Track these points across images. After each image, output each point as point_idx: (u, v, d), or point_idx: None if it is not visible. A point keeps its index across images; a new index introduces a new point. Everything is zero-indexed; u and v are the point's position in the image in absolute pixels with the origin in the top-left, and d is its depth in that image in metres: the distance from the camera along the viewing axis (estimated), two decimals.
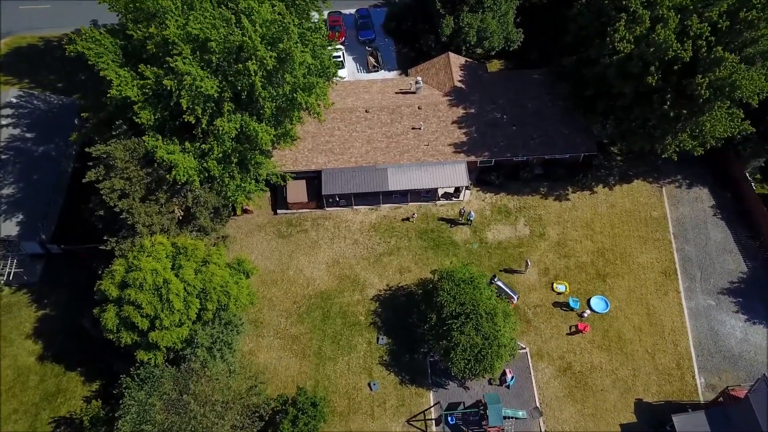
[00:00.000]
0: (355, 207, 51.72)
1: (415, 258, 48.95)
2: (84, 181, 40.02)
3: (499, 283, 45.36)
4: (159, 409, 35.53)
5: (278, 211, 51.69)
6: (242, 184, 44.17)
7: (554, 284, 47.41)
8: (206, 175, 41.74)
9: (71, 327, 45.25)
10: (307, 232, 50.40)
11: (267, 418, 38.03)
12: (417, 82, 52.91)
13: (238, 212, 46.57)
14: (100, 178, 39.47)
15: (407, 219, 50.74)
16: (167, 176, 39.28)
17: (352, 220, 51.09)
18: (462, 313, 40.96)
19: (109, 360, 42.62)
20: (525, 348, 44.76)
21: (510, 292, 45.21)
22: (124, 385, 39.22)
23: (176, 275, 39.07)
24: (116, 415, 36.47)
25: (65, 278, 48.18)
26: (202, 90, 36.99)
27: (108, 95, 38.37)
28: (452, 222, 50.87)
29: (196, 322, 40.64)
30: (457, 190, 51.86)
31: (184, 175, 39.45)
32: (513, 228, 50.58)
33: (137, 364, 39.54)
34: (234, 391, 37.18)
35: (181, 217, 43.91)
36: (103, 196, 39.05)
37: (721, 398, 40.44)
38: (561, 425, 41.70)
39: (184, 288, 38.94)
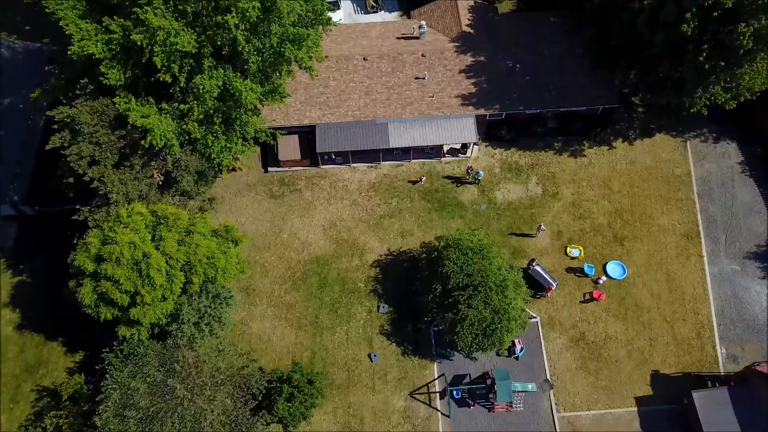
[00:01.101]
0: (352, 165, 47.89)
1: (418, 220, 45.54)
2: (48, 147, 36.11)
3: (539, 269, 42.01)
4: (143, 394, 32.94)
5: (269, 168, 47.91)
6: (228, 145, 40.18)
7: (568, 248, 44.19)
8: (186, 137, 37.71)
9: (50, 295, 42.42)
10: (301, 192, 46.80)
11: (260, 397, 35.57)
12: (420, 27, 47.99)
13: (224, 176, 42.79)
14: (66, 144, 35.56)
15: (415, 182, 46.91)
16: (142, 142, 35.28)
17: (349, 179, 47.39)
18: (470, 285, 37.88)
19: (91, 331, 39.96)
20: (536, 317, 41.98)
21: (549, 280, 41.89)
22: (106, 362, 36.69)
23: (157, 248, 35.75)
24: (97, 399, 33.93)
25: (41, 242, 44.94)
26: (177, 47, 32.51)
27: (68, 52, 33.93)
28: (459, 181, 47.16)
29: (182, 294, 37.72)
30: (465, 146, 47.88)
31: (161, 140, 35.43)
32: (524, 187, 46.90)
33: (120, 339, 36.92)
34: (224, 372, 34.50)
35: (161, 182, 40.20)
36: (71, 164, 35.27)
37: (745, 373, 37.88)
38: (572, 398, 39.39)
39: (166, 261, 35.73)
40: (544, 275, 41.78)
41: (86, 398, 36.95)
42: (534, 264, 42.04)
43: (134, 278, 34.90)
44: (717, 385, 38.36)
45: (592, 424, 38.56)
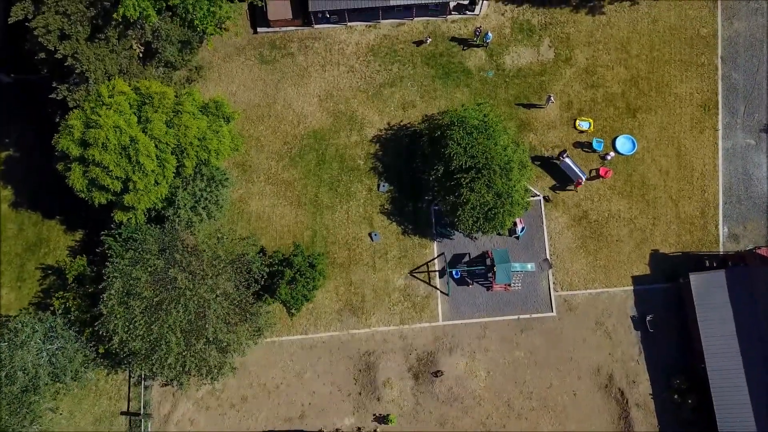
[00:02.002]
0: (349, 24, 43.61)
1: (420, 90, 42.60)
2: (10, 21, 32.16)
3: (569, 161, 39.86)
4: (145, 283, 33.04)
5: (258, 29, 43.69)
6: (211, 9, 36.00)
7: (577, 121, 41.92)
8: (165, 4, 33.53)
9: (41, 170, 40.91)
10: (294, 57, 43.18)
11: (263, 282, 35.87)
12: None
13: (209, 45, 38.90)
14: (30, 16, 31.65)
15: (420, 43, 43.01)
16: (114, 15, 31.36)
17: (345, 40, 43.45)
18: (473, 167, 36.39)
19: (89, 210, 39.12)
20: (538, 195, 41.08)
21: (579, 173, 39.89)
22: (106, 246, 36.51)
23: (144, 131, 33.66)
24: (100, 287, 34.13)
25: (24, 112, 42.38)
26: None
27: None
28: (465, 43, 43.32)
29: (176, 177, 36.32)
30: (473, 2, 43.22)
31: (135, 10, 31.47)
32: (535, 51, 43.23)
33: (118, 223, 36.32)
34: (224, 260, 34.31)
35: (141, 54, 36.67)
36: (39, 38, 31.71)
37: (745, 255, 37.99)
38: (570, 277, 39.98)
39: (156, 145, 33.85)
40: (574, 168, 39.92)
41: (90, 280, 37.30)
42: (564, 156, 39.97)
43: (124, 164, 33.40)
44: (715, 265, 38.67)
45: (587, 303, 39.55)
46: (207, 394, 38.41)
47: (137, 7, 31.53)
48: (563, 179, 40.85)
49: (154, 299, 32.64)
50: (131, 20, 33.28)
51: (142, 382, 38.22)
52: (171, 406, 38.51)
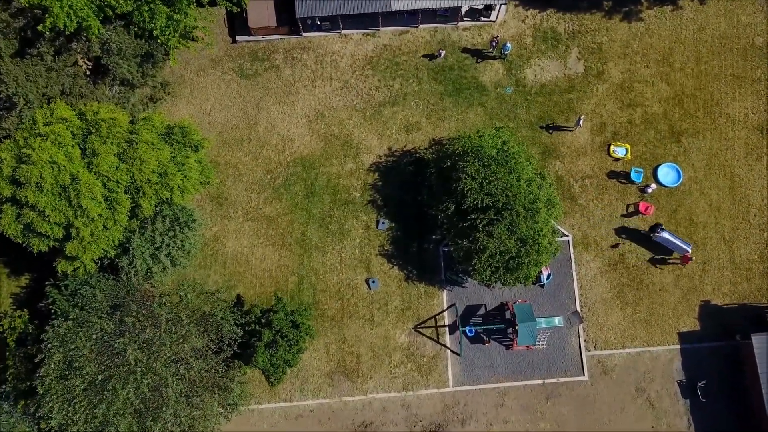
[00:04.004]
0: (343, 32, 37.37)
1: (427, 109, 36.32)
2: None
3: (666, 235, 33.33)
4: (89, 355, 26.83)
5: (237, 38, 37.45)
6: (175, 16, 29.74)
7: (611, 146, 35.62)
8: (111, 12, 27.30)
9: None
10: (279, 70, 36.93)
11: (236, 346, 29.64)
12: None
13: (172, 63, 32.58)
14: None
15: (433, 57, 36.73)
16: (39, 27, 25.12)
17: (340, 51, 37.19)
18: (491, 207, 30.13)
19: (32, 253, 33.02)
20: (567, 235, 34.79)
21: (683, 246, 33.37)
22: (50, 298, 30.37)
23: (89, 167, 27.53)
24: (36, 360, 27.96)
25: None
26: None
27: None
28: (479, 55, 37.04)
29: (132, 219, 30.23)
30: (489, 7, 36.92)
31: (70, 21, 25.21)
32: (562, 63, 36.92)
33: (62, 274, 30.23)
34: (186, 325, 28.07)
35: (89, 70, 30.44)
36: None
37: None
38: (604, 333, 33.67)
39: (104, 184, 27.73)
40: (675, 241, 33.40)
41: (33, 339, 31.17)
42: (660, 231, 33.42)
43: (63, 208, 27.34)
44: None
45: (625, 364, 33.26)
46: None
47: (72, 17, 25.24)
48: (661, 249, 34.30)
49: (98, 376, 26.42)
50: (68, 32, 27.04)
51: None
52: None
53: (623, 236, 34.64)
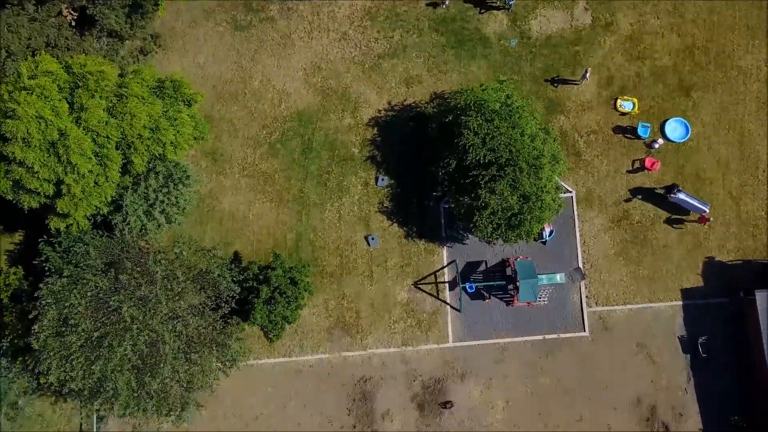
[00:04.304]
0: None
1: (428, 62, 35.11)
2: None
3: (683, 196, 32.47)
4: (84, 312, 26.56)
5: None
6: None
7: (618, 101, 34.56)
8: None
9: None
10: (274, 22, 35.57)
11: (233, 303, 29.36)
12: None
13: (161, 14, 31.19)
14: None
15: (434, 5, 35.28)
16: None
17: (337, 2, 35.72)
18: (493, 163, 29.37)
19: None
20: (571, 192, 34.09)
21: (700, 206, 32.57)
22: (43, 255, 29.98)
23: (78, 122, 26.67)
24: (30, 317, 27.72)
25: None
26: None
27: None
28: (483, 5, 35.56)
29: (125, 175, 29.55)
30: None
31: None
32: (568, 14, 35.50)
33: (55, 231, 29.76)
34: (182, 281, 27.70)
35: (74, 21, 29.20)
36: None
37: None
38: (606, 289, 33.35)
39: (93, 140, 26.94)
40: (693, 202, 32.62)
41: (28, 296, 30.91)
42: (677, 191, 32.55)
43: (52, 164, 26.63)
44: None
45: (626, 321, 33.05)
46: (174, 426, 32.42)
47: None
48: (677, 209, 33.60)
49: (94, 333, 26.20)
50: None
51: (94, 414, 32.26)
52: None
53: (629, 192, 33.94)
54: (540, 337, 33.06)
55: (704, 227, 33.28)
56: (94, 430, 32.08)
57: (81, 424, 32.74)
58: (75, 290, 26.99)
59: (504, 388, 32.77)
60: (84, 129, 26.61)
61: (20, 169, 26.59)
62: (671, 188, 32.87)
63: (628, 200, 33.70)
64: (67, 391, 27.84)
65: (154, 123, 27.94)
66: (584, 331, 33.11)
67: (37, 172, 26.40)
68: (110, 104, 27.29)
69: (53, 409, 32.83)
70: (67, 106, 26.57)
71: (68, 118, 26.37)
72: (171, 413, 28.67)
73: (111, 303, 26.43)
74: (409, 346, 33.08)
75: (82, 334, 26.28)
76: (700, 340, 32.27)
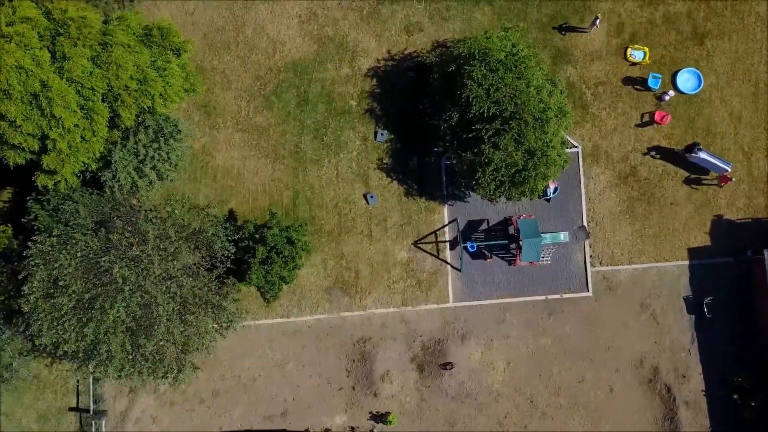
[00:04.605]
0: None
1: (429, 8, 33.30)
2: None
3: (704, 155, 30.99)
4: (74, 273, 25.69)
5: None
6: None
7: (629, 50, 32.97)
8: None
9: None
10: None
11: (228, 263, 28.50)
12: None
13: None
14: None
15: None
16: None
17: None
18: (498, 116, 28.08)
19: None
20: (577, 147, 32.88)
21: (722, 165, 31.18)
22: (32, 213, 29.00)
23: (60, 73, 25.22)
24: (20, 277, 26.87)
25: None
26: None
27: None
28: None
29: (113, 129, 28.29)
30: None
31: None
32: None
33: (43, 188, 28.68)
34: (176, 241, 26.75)
35: None
36: None
37: None
38: (611, 249, 32.52)
39: (78, 92, 25.57)
40: (714, 161, 31.23)
41: (18, 255, 30.01)
42: (698, 150, 31.06)
43: (35, 117, 25.33)
44: None
45: (631, 280, 32.33)
46: (171, 387, 32.09)
47: None
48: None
49: (85, 295, 25.40)
50: None
51: (90, 376, 31.82)
52: (128, 401, 32.28)
53: (637, 147, 32.76)
54: (542, 298, 32.40)
55: (721, 186, 32.15)
56: (91, 391, 31.68)
57: (78, 386, 32.37)
58: (64, 250, 26.06)
59: (505, 349, 32.28)
60: (67, 80, 25.25)
61: (2, 123, 25.29)
62: (692, 147, 31.47)
63: (644, 154, 32.41)
64: (61, 353, 27.27)
65: (141, 74, 26.61)
66: (587, 291, 32.43)
67: (20, 126, 25.13)
68: (94, 53, 25.90)
69: (49, 371, 32.29)
70: (49, 55, 25.11)
71: (50, 69, 24.91)
72: (167, 375, 28.17)
73: (102, 264, 25.51)
74: (409, 306, 32.44)
75: (73, 295, 25.48)
76: (705, 301, 31.61)
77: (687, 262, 32.28)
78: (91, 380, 31.78)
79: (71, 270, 25.65)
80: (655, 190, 32.68)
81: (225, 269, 28.52)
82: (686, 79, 32.94)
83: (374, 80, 33.11)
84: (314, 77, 33.14)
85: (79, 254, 26.03)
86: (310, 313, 32.42)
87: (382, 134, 32.74)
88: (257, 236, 29.42)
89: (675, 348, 32.08)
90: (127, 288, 25.29)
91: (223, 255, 28.11)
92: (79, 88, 25.50)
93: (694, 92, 32.92)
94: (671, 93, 32.47)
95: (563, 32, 33.18)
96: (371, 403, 32.08)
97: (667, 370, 32.02)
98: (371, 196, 32.56)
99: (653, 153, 32.61)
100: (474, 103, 28.02)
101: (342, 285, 32.52)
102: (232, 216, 32.48)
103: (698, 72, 32.91)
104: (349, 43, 33.27)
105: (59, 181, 28.19)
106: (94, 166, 28.24)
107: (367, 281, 32.50)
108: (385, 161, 32.84)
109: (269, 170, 32.96)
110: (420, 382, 32.16)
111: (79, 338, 25.84)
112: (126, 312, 25.62)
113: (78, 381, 32.20)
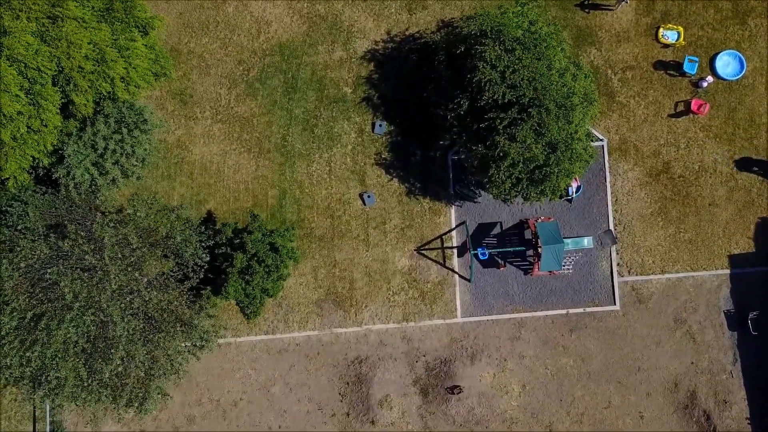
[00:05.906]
0: None
1: None
2: None
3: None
4: (16, 287, 21.86)
5: None
6: None
7: (661, 30, 29.16)
8: None
9: None
10: None
11: (202, 273, 24.70)
12: None
13: None
14: None
15: None
16: None
17: None
18: (514, 104, 24.26)
19: None
20: (602, 139, 29.08)
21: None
22: None
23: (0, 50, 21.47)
24: None
25: None
26: None
27: None
28: None
29: (69, 119, 24.52)
30: None
31: None
32: None
33: None
34: (139, 248, 22.90)
35: None
36: None
37: None
38: (641, 256, 28.71)
39: (21, 73, 21.78)
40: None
41: None
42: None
43: None
44: None
45: (664, 292, 28.55)
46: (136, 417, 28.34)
47: None
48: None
49: (28, 313, 21.56)
50: None
51: (47, 403, 28.03)
52: (91, 428, 28.56)
53: (671, 140, 28.99)
54: (563, 312, 28.66)
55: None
56: (47, 419, 27.88)
57: (34, 412, 28.61)
58: (5, 259, 22.24)
59: (520, 371, 28.54)
60: (7, 58, 21.48)
61: None
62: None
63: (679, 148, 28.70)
64: (5, 379, 23.50)
65: (99, 53, 22.86)
66: (614, 304, 28.67)
67: None
68: (41, 28, 22.18)
69: (2, 394, 28.69)
70: None
71: None
72: (132, 403, 24.40)
73: (48, 276, 21.69)
74: (411, 322, 28.72)
75: (14, 313, 21.66)
76: (750, 316, 27.83)
77: (728, 272, 28.52)
78: (48, 406, 28.00)
79: (12, 283, 21.83)
80: (691, 189, 28.88)
81: (198, 280, 24.74)
82: (726, 63, 29.15)
83: (372, 64, 29.34)
84: (304, 61, 29.38)
85: (23, 264, 22.23)
86: (298, 329, 28.70)
87: (380, 125, 29.02)
88: (236, 242, 25.59)
89: (715, 369, 28.32)
90: (77, 305, 21.43)
91: (195, 264, 24.30)
92: (23, 69, 21.74)
93: (735, 78, 29.12)
94: (710, 79, 28.69)
95: (586, 10, 29.43)
96: (368, 431, 28.33)
97: (706, 394, 28.26)
98: (368, 196, 28.82)
99: (689, 146, 28.83)
100: (486, 88, 24.21)
101: (335, 297, 28.77)
102: (210, 218, 28.74)
103: (740, 55, 29.11)
104: (343, 23, 29.52)
105: (7, 179, 24.42)
106: (46, 161, 24.43)
107: (363, 293, 28.76)
108: (383, 156, 29.11)
109: (252, 166, 29.20)
110: (423, 408, 28.43)
111: (23, 363, 22.04)
112: (78, 332, 21.83)
113: (34, 407, 28.44)
